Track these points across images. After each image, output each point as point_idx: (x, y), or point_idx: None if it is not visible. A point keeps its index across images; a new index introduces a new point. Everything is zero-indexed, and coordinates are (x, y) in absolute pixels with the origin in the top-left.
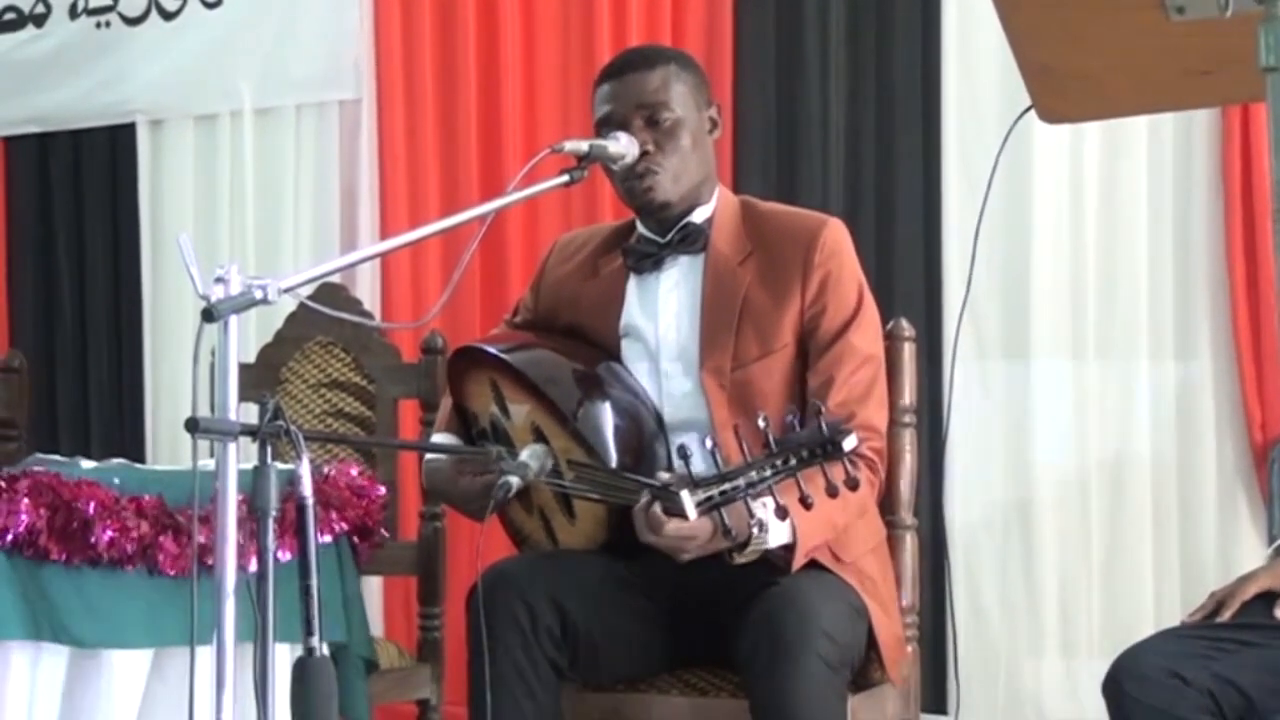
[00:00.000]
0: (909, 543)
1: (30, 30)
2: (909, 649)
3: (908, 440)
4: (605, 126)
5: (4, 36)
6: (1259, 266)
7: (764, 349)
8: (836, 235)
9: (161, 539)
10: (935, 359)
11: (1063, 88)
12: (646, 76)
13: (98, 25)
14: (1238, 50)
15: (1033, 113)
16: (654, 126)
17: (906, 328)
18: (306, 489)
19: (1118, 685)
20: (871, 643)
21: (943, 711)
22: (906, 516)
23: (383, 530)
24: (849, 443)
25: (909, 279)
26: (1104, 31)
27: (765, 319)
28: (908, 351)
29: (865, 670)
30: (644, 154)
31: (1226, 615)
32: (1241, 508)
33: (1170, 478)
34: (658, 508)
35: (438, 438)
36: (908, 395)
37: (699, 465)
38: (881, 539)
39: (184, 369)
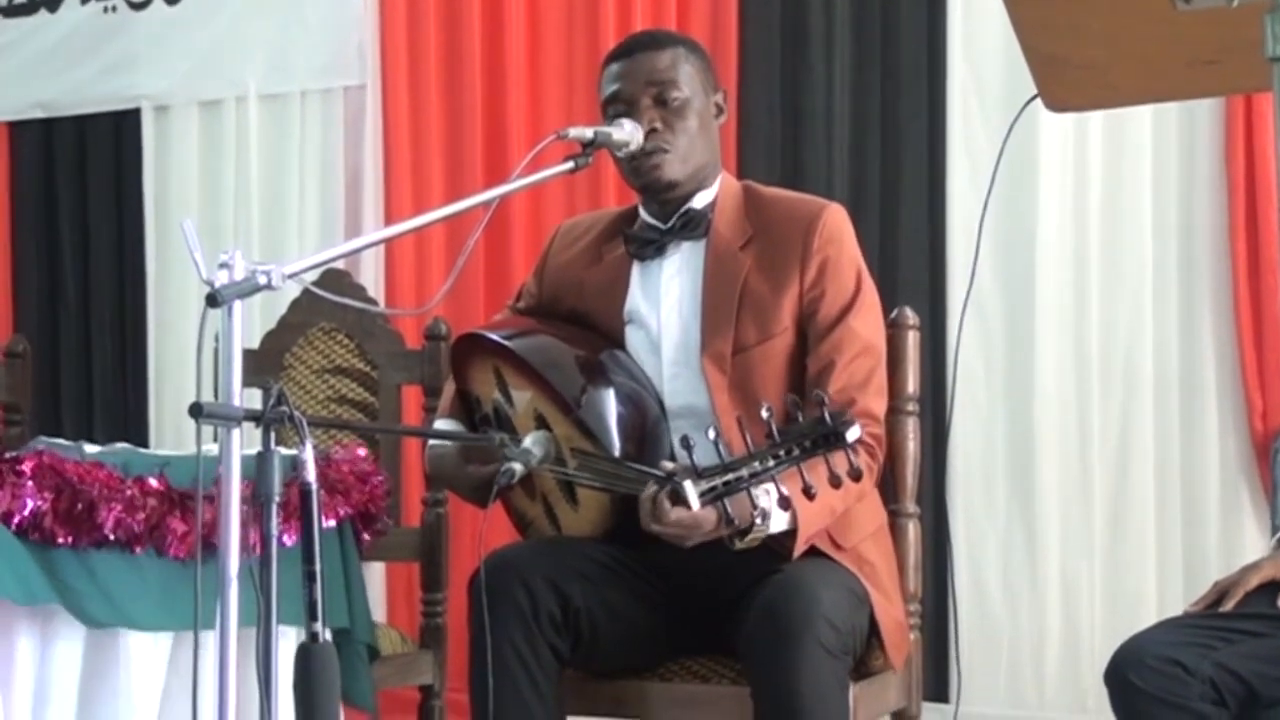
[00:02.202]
0: (912, 531)
1: (43, 15)
2: (911, 636)
3: (911, 428)
4: (613, 104)
5: (17, 21)
6: (1261, 255)
7: (763, 334)
8: (836, 220)
9: (169, 519)
10: (939, 347)
11: (1068, 76)
12: (656, 56)
13: (105, 10)
14: (1244, 40)
15: (1038, 101)
16: (662, 105)
17: (910, 316)
18: (310, 474)
19: (1120, 674)
20: (874, 629)
21: (944, 699)
22: (909, 504)
23: (386, 516)
24: (852, 434)
25: (913, 267)
26: (1110, 20)
27: (764, 304)
28: (911, 340)
29: (867, 657)
30: (651, 131)
31: (1230, 605)
32: (1243, 497)
33: (1173, 466)
34: (663, 497)
35: (440, 423)
36: (911, 383)
37: (702, 455)
38: (882, 523)
39: (188, 354)
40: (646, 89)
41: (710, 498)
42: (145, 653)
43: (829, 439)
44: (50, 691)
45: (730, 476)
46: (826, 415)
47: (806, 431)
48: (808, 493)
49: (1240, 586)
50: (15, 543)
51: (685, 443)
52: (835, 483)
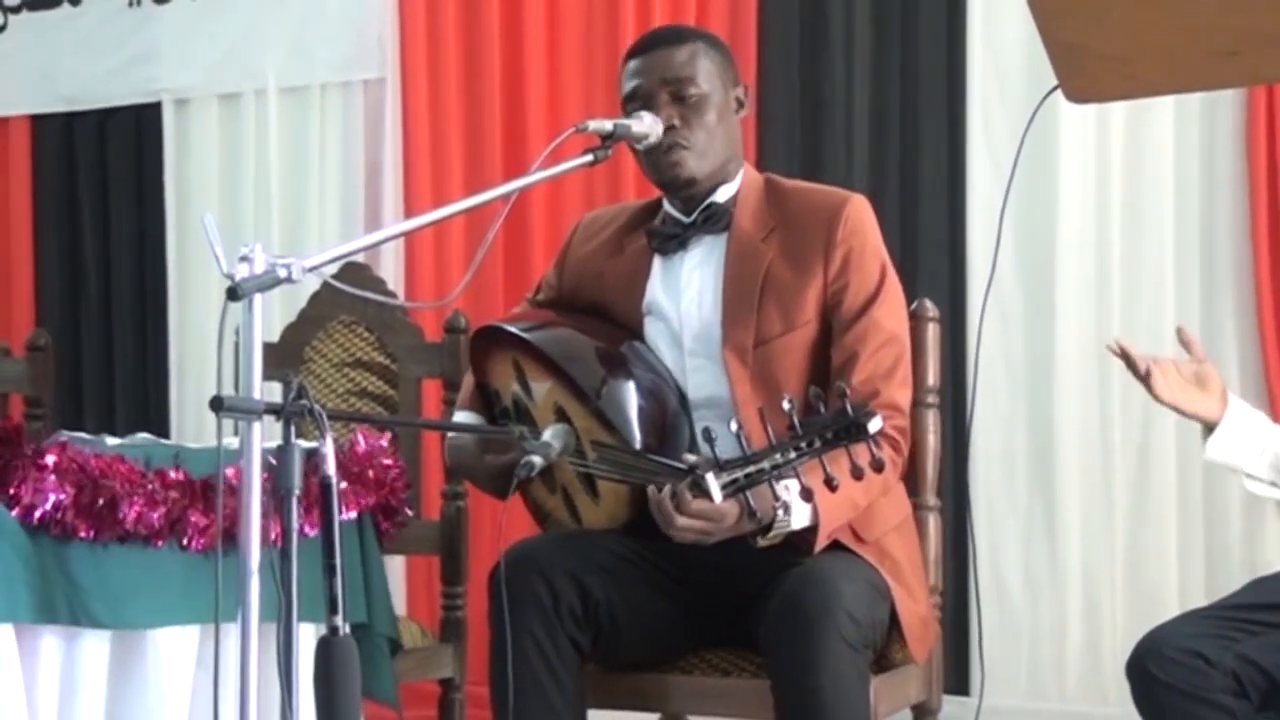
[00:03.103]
0: (933, 523)
1: (66, 9)
2: (932, 629)
3: (932, 421)
4: (632, 101)
5: (41, 14)
6: None
7: (786, 325)
8: (859, 211)
9: (190, 513)
10: (959, 339)
11: (1089, 67)
12: (674, 52)
13: (129, 4)
14: (1265, 31)
15: (1058, 92)
16: (680, 101)
17: (931, 308)
18: (330, 468)
19: (1141, 666)
20: (895, 623)
21: (965, 692)
22: (930, 497)
23: (406, 509)
24: (874, 425)
25: (933, 259)
26: (1131, 10)
27: (788, 295)
28: (932, 332)
29: (888, 650)
30: (669, 128)
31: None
32: None
33: (1194, 459)
34: (684, 488)
35: (459, 415)
36: (932, 376)
37: (724, 447)
38: (906, 517)
39: (208, 348)
40: (664, 85)
41: (732, 490)
42: (173, 648)
43: (851, 430)
44: (77, 688)
45: (752, 469)
46: (848, 406)
47: (828, 423)
48: (829, 484)
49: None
50: (17, 552)
51: (708, 435)
52: (857, 474)
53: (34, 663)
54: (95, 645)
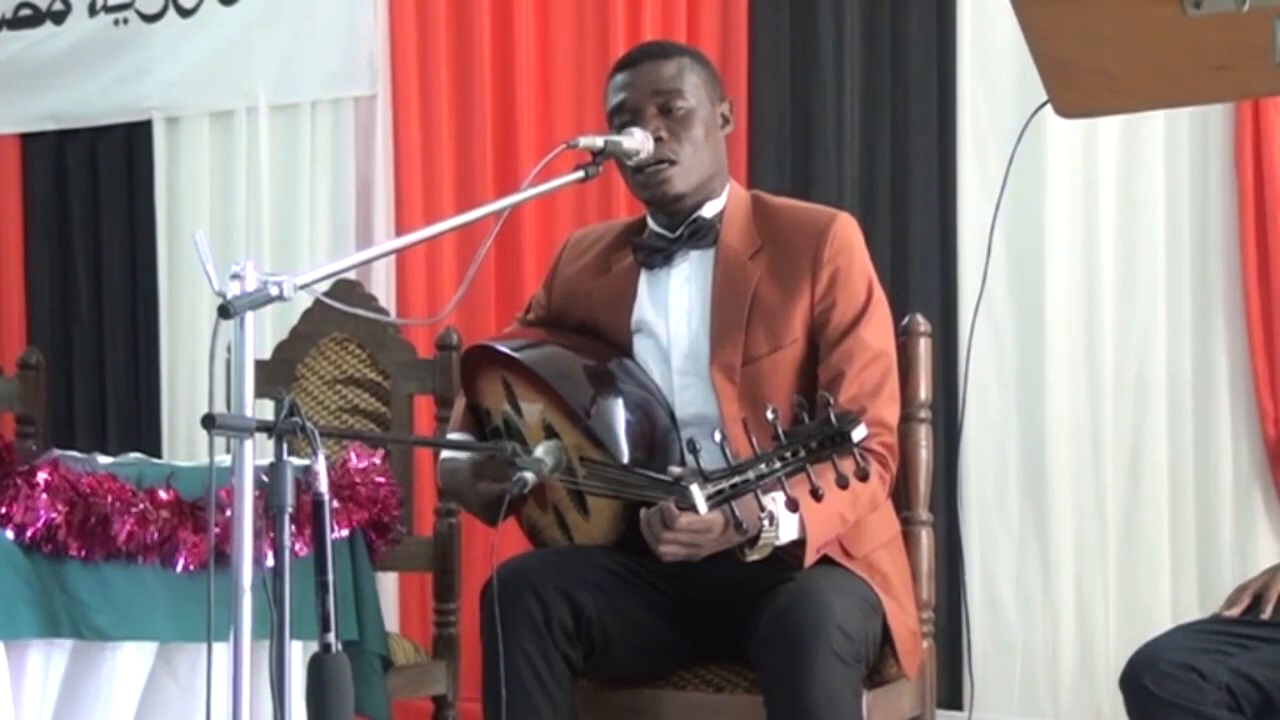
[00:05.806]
0: (925, 538)
1: (49, 27)
2: (925, 644)
3: (923, 436)
4: (619, 114)
5: (23, 33)
6: (1271, 261)
7: (774, 344)
8: (846, 230)
9: (181, 531)
10: (950, 354)
11: (1079, 82)
12: (661, 65)
13: (115, 22)
14: (1255, 45)
15: (1048, 107)
16: (667, 114)
17: (922, 323)
18: (323, 485)
19: (1136, 679)
20: (887, 638)
21: (958, 707)
22: (922, 512)
23: (398, 526)
24: (858, 433)
25: (924, 275)
26: (1120, 25)
27: (775, 314)
28: (923, 347)
29: (881, 665)
30: (657, 141)
31: (1268, 610)
32: (1257, 502)
33: (1186, 473)
34: (671, 505)
35: (452, 438)
36: (923, 391)
37: (709, 459)
38: (895, 533)
39: (200, 365)
40: (652, 98)
41: (717, 501)
42: (128, 666)
43: (835, 439)
44: (41, 699)
45: (737, 480)
46: (832, 417)
47: (813, 432)
48: (815, 494)
49: (1273, 589)
50: (16, 570)
51: (691, 446)
52: (843, 484)
53: (20, 678)
54: (57, 660)
